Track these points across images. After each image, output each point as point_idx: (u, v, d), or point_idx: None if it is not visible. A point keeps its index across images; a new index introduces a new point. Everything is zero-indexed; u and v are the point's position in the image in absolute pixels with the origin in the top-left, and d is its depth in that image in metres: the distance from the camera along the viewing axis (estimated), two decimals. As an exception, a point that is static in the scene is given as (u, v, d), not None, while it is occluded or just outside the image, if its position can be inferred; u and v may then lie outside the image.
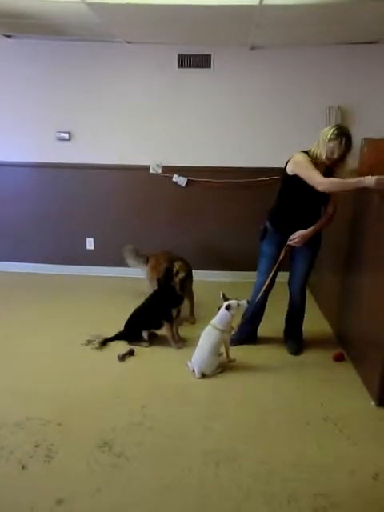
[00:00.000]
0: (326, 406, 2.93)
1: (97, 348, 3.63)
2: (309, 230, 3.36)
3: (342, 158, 3.22)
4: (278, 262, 3.47)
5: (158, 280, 3.86)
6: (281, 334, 3.80)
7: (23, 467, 2.36)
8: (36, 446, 2.51)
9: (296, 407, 2.94)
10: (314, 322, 4.24)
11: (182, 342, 3.73)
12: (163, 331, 3.75)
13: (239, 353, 3.55)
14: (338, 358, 3.51)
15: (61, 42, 4.93)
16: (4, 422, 2.70)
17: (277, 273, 3.53)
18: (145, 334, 3.71)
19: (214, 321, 3.37)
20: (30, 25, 4.25)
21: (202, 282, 4.49)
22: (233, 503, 2.17)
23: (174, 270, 3.80)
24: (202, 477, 2.33)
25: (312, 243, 3.46)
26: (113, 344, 3.68)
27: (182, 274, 3.79)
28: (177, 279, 3.78)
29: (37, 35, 4.78)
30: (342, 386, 3.19)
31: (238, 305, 3.37)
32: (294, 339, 3.70)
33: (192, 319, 4.18)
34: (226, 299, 3.38)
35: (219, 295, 3.41)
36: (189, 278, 4.04)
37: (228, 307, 3.33)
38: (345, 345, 3.65)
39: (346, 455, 2.50)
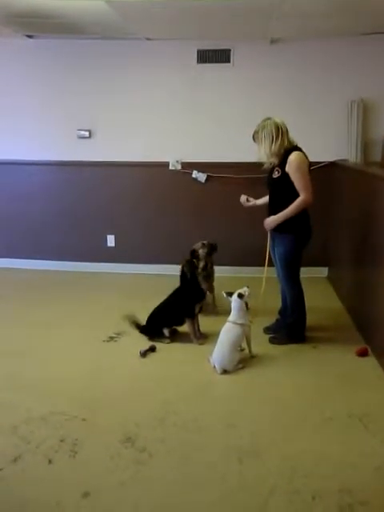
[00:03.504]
0: (350, 402, 2.90)
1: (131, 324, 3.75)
2: (278, 215, 3.45)
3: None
4: (267, 249, 3.69)
5: (182, 274, 3.86)
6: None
7: (50, 461, 2.40)
8: (61, 441, 2.55)
9: (319, 403, 2.92)
10: (336, 316, 4.21)
11: (203, 338, 3.74)
12: (184, 327, 3.76)
13: (261, 348, 3.54)
14: (362, 353, 3.46)
15: (81, 41, 4.97)
16: (30, 417, 2.75)
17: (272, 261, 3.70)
18: (166, 331, 3.73)
19: (231, 317, 3.37)
20: (51, 24, 4.29)
21: (225, 277, 4.50)
22: (257, 500, 2.16)
23: (198, 250, 4.01)
24: (225, 473, 2.33)
25: (287, 230, 3.48)
26: (135, 341, 3.70)
27: (202, 251, 4.01)
28: (200, 255, 3.98)
29: (57, 34, 4.83)
30: (367, 381, 3.16)
31: (245, 292, 3.37)
32: (278, 327, 3.79)
33: (215, 309, 4.18)
34: (229, 294, 3.39)
35: (223, 295, 3.46)
36: (211, 259, 4.12)
37: (240, 296, 3.34)
38: (368, 340, 3.61)
39: (371, 452, 2.47)
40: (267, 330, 3.84)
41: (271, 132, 3.34)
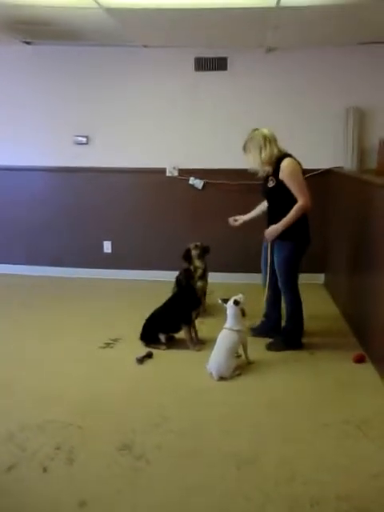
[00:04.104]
0: (347, 409, 2.89)
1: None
2: (278, 224, 3.46)
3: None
4: (268, 260, 3.65)
5: (179, 281, 3.87)
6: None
7: (45, 469, 2.37)
8: (57, 449, 2.52)
9: (317, 409, 2.91)
10: (333, 322, 4.22)
11: (200, 345, 3.73)
12: (181, 334, 3.75)
13: (258, 355, 3.53)
14: (359, 360, 3.46)
15: (79, 48, 5.00)
16: (25, 424, 2.72)
17: (273, 270, 3.66)
18: (162, 337, 3.71)
19: (227, 324, 3.37)
20: (49, 31, 4.31)
21: (221, 283, 4.50)
22: (255, 506, 2.14)
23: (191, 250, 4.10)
24: (222, 479, 2.32)
25: (287, 237, 3.50)
26: (131, 347, 3.69)
27: (194, 252, 4.11)
28: (193, 255, 4.06)
29: (55, 41, 4.85)
30: (364, 388, 3.15)
31: (240, 299, 3.38)
32: (262, 330, 3.83)
33: (204, 313, 4.22)
34: (225, 301, 3.39)
35: (218, 302, 3.46)
36: (204, 261, 4.21)
37: (236, 303, 3.34)
38: (365, 346, 3.61)
39: (369, 458, 2.46)
40: (252, 330, 3.85)
41: (259, 142, 3.41)
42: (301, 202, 3.37)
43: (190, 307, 3.71)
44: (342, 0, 3.21)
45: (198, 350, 3.66)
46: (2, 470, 2.36)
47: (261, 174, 3.54)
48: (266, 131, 3.44)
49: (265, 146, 3.39)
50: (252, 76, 4.99)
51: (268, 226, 3.58)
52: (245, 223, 3.96)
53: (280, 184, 3.42)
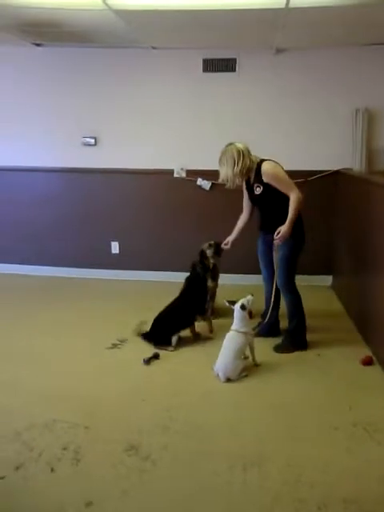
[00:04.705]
0: (354, 411, 2.88)
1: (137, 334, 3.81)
2: (285, 225, 3.43)
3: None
4: (274, 258, 3.65)
5: (195, 275, 3.96)
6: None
7: (52, 469, 2.38)
8: (64, 449, 2.53)
9: (324, 412, 2.90)
10: (341, 324, 4.20)
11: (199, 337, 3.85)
12: (187, 333, 3.80)
13: (265, 357, 3.52)
14: (367, 362, 3.44)
15: (88, 49, 5.01)
16: (33, 424, 2.74)
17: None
18: (174, 339, 3.70)
19: (234, 326, 3.37)
20: (59, 33, 4.33)
21: (230, 285, 4.49)
22: (261, 509, 2.14)
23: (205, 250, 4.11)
24: (229, 481, 2.31)
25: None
26: (138, 348, 3.69)
27: (209, 251, 4.07)
28: (208, 254, 4.05)
29: (65, 43, 4.87)
30: (372, 390, 3.13)
31: (248, 301, 3.39)
32: (262, 330, 3.83)
33: (214, 316, 4.22)
34: (231, 303, 3.41)
35: (225, 304, 3.47)
36: (218, 259, 4.20)
37: (242, 307, 3.35)
38: (373, 348, 3.59)
39: (376, 461, 2.45)
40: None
41: (233, 156, 3.49)
42: (294, 196, 3.42)
43: (205, 297, 3.88)
44: (350, 1, 3.20)
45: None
46: (10, 469, 2.38)
47: (229, 185, 3.61)
48: (240, 145, 3.52)
49: (238, 159, 3.47)
50: (260, 77, 4.98)
51: (265, 231, 3.66)
52: (253, 221, 3.97)
53: (267, 188, 3.49)
